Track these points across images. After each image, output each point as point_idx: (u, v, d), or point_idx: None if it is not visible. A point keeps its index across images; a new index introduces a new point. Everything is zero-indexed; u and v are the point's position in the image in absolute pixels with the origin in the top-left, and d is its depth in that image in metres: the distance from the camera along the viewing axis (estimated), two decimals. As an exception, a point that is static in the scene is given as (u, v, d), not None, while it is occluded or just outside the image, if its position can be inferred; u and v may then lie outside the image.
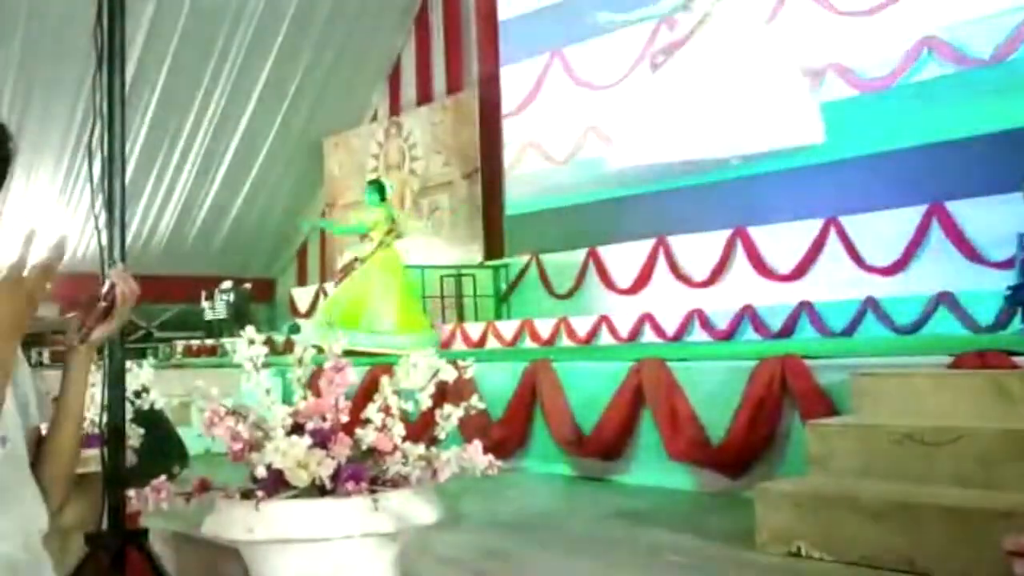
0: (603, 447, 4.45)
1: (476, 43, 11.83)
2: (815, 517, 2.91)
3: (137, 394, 3.68)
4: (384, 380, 2.43)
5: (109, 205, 2.72)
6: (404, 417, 2.44)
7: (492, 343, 8.95)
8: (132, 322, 12.91)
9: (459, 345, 9.13)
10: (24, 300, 1.20)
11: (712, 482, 4.08)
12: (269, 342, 10.65)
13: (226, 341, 10.86)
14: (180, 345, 11.55)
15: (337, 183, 13.22)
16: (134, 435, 3.40)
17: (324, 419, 2.39)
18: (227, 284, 11.97)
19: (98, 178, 2.68)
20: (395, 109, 12.98)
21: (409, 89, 12.83)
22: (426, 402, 2.46)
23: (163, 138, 12.23)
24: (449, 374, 2.52)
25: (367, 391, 2.64)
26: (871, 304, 6.73)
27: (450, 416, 2.53)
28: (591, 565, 3.07)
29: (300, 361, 2.48)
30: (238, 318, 11.75)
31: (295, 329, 10.83)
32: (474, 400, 2.54)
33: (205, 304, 12.02)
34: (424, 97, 12.51)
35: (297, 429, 2.33)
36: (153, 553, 2.86)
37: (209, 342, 11.37)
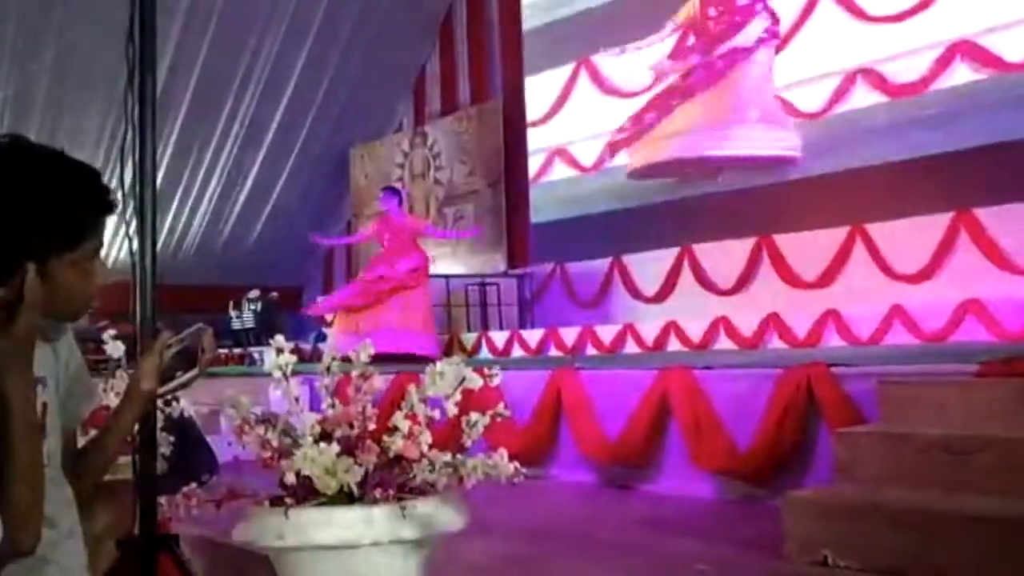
0: (629, 455, 4.45)
1: (500, 53, 11.88)
2: (842, 526, 2.91)
3: (167, 402, 3.74)
4: (411, 388, 2.46)
5: (140, 212, 2.76)
6: (430, 424, 2.47)
7: (517, 352, 8.97)
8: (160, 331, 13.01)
9: (484, 354, 9.15)
10: None
11: (738, 490, 4.07)
12: (296, 350, 10.68)
13: (254, 350, 10.95)
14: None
15: (363, 193, 13.30)
16: (164, 443, 3.45)
17: (352, 427, 2.41)
18: (254, 293, 12.06)
19: (129, 185, 2.72)
20: (420, 119, 13.05)
21: (434, 99, 12.90)
22: (452, 410, 2.48)
23: (191, 149, 12.36)
24: (475, 382, 2.55)
25: (394, 398, 2.67)
26: (898, 312, 6.70)
27: (476, 424, 2.54)
28: (617, 573, 3.08)
29: (328, 369, 2.52)
30: (265, 327, 11.84)
31: (321, 337, 10.90)
32: (500, 408, 2.56)
33: (232, 313, 12.12)
34: (449, 107, 12.58)
35: (325, 437, 2.36)
36: (184, 559, 2.89)
37: (237, 351, 11.46)
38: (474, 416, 2.53)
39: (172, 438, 3.57)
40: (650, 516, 3.87)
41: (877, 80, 7.75)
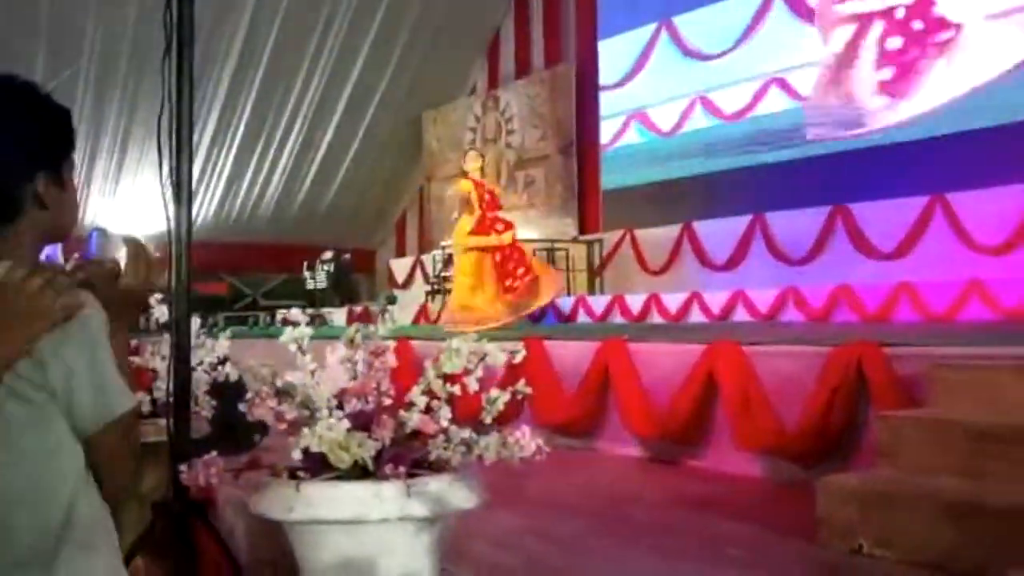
0: (675, 431, 4.37)
1: (574, 15, 11.69)
2: (879, 514, 2.80)
3: (213, 366, 3.78)
4: (427, 364, 2.43)
5: (177, 181, 2.78)
6: (451, 399, 2.44)
7: (583, 318, 8.91)
8: (239, 289, 13.31)
9: (550, 319, 9.10)
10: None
11: (785, 471, 3.96)
12: (365, 312, 10.73)
13: (326, 311, 11.11)
14: (282, 314, 11.87)
15: (435, 156, 13.32)
16: (206, 406, 3.49)
17: (367, 401, 2.40)
18: (328, 254, 12.22)
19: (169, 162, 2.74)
20: (493, 82, 12.96)
21: (507, 62, 12.78)
22: (474, 386, 2.45)
23: (269, 110, 12.49)
24: (498, 359, 2.51)
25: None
26: (977, 286, 6.42)
27: (496, 400, 2.51)
28: (647, 555, 3.02)
29: (352, 341, 2.50)
30: (338, 288, 12.01)
31: (391, 300, 11.01)
32: (520, 384, 2.52)
33: (306, 273, 12.31)
34: (522, 70, 12.45)
35: (341, 410, 2.35)
36: (215, 523, 2.95)
37: (310, 311, 11.65)
38: (494, 393, 2.50)
39: (215, 402, 3.62)
40: (691, 495, 3.80)
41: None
